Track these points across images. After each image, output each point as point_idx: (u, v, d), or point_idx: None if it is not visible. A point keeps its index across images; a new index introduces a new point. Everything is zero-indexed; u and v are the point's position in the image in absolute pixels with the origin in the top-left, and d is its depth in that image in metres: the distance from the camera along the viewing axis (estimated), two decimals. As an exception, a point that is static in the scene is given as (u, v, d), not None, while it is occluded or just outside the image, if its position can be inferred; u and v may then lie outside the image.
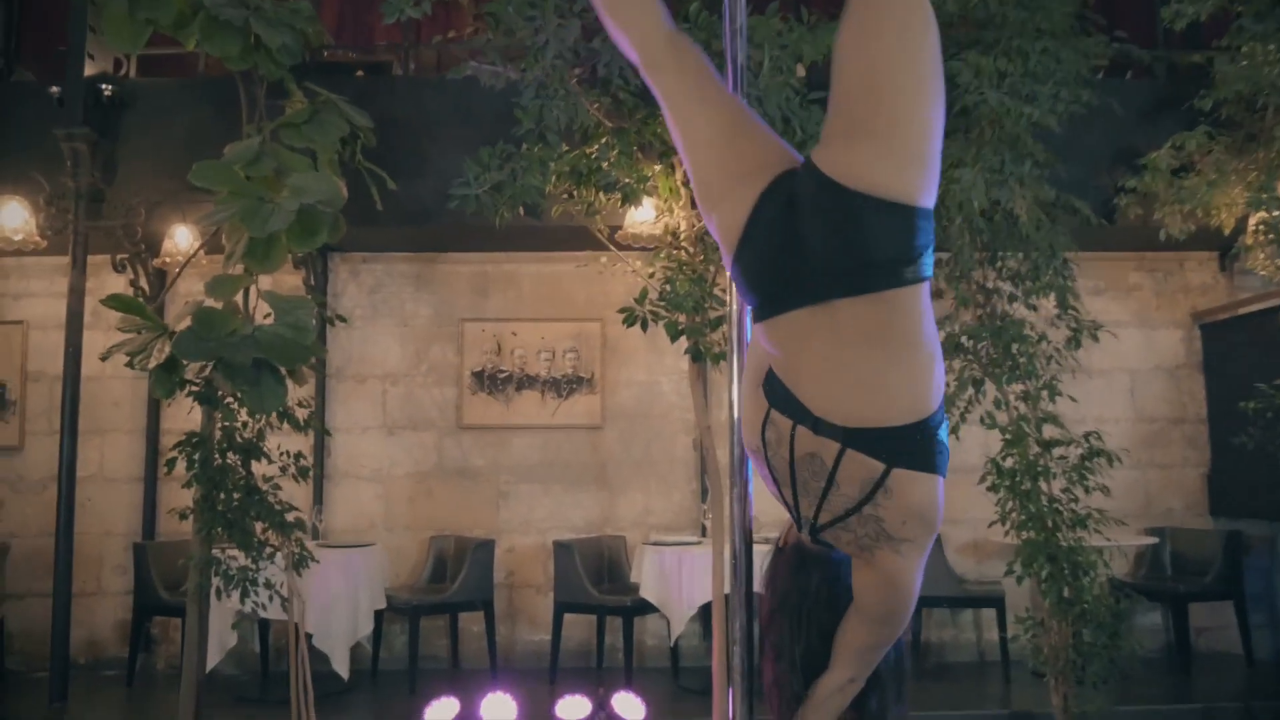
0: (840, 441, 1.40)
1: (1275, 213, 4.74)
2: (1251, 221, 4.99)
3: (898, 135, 1.28)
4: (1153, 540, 5.73)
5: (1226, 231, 5.09)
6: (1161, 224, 5.16)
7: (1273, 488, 5.48)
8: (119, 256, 5.65)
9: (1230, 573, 5.56)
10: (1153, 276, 6.35)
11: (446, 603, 5.47)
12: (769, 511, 6.04)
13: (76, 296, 5.39)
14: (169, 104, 5.58)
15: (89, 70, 5.52)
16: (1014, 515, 4.59)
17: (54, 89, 5.35)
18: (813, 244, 1.33)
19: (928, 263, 1.33)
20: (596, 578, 5.52)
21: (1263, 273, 5.00)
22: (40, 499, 5.99)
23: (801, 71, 4.73)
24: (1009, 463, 4.59)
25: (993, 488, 4.62)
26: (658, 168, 4.72)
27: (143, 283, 5.82)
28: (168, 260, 5.32)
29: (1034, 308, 4.84)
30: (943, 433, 1.43)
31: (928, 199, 1.30)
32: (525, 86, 3.94)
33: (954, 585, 5.66)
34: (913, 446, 1.40)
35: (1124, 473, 5.92)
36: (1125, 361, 6.22)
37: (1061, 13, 4.34)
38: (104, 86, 5.47)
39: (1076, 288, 4.72)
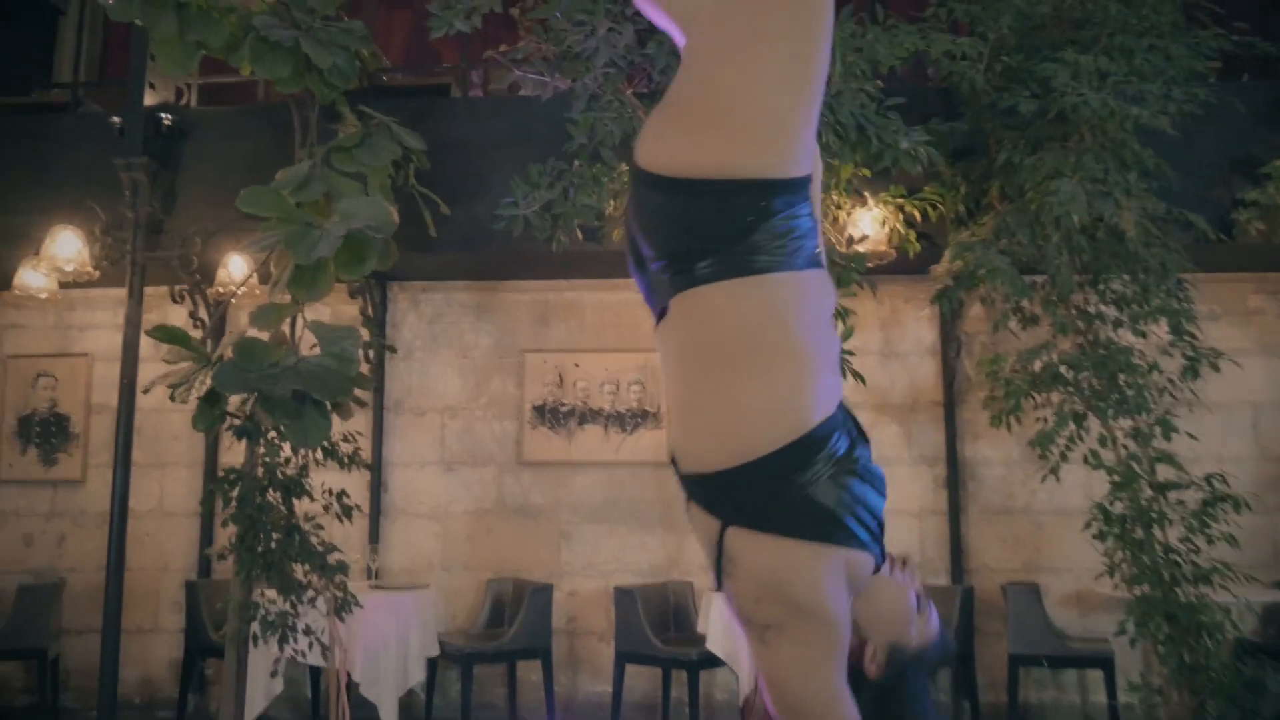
0: (685, 492, 1.11)
1: None
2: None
3: (693, 95, 1.01)
4: (1284, 595, 5.10)
5: (1365, 247, 4.53)
6: (1289, 240, 4.63)
7: None
8: (177, 288, 5.58)
9: (1378, 633, 4.90)
10: (1276, 299, 5.75)
11: (503, 650, 5.17)
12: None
13: (133, 328, 5.31)
14: (227, 132, 5.51)
15: (151, 100, 5.49)
16: (1125, 567, 4.10)
17: (115, 119, 5.33)
18: (641, 248, 1.08)
19: (782, 248, 1.01)
20: (661, 626, 5.16)
21: None
22: (100, 533, 5.91)
23: (878, 83, 4.38)
24: (1118, 508, 4.10)
25: (1100, 536, 4.13)
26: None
27: (202, 313, 5.74)
28: (222, 290, 5.21)
29: (1143, 334, 4.36)
30: (813, 483, 1.05)
31: (770, 169, 1.00)
32: (576, 98, 3.68)
33: (1055, 641, 5.12)
34: (746, 496, 1.05)
35: (1249, 518, 5.29)
36: (1247, 393, 5.62)
37: (1169, 6, 3.90)
38: (164, 116, 5.42)
39: (1194, 312, 4.23)
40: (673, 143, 1.03)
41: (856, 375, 4.00)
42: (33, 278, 5.08)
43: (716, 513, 1.05)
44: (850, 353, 4.02)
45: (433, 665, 5.17)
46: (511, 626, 5.23)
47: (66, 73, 6.52)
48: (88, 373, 6.15)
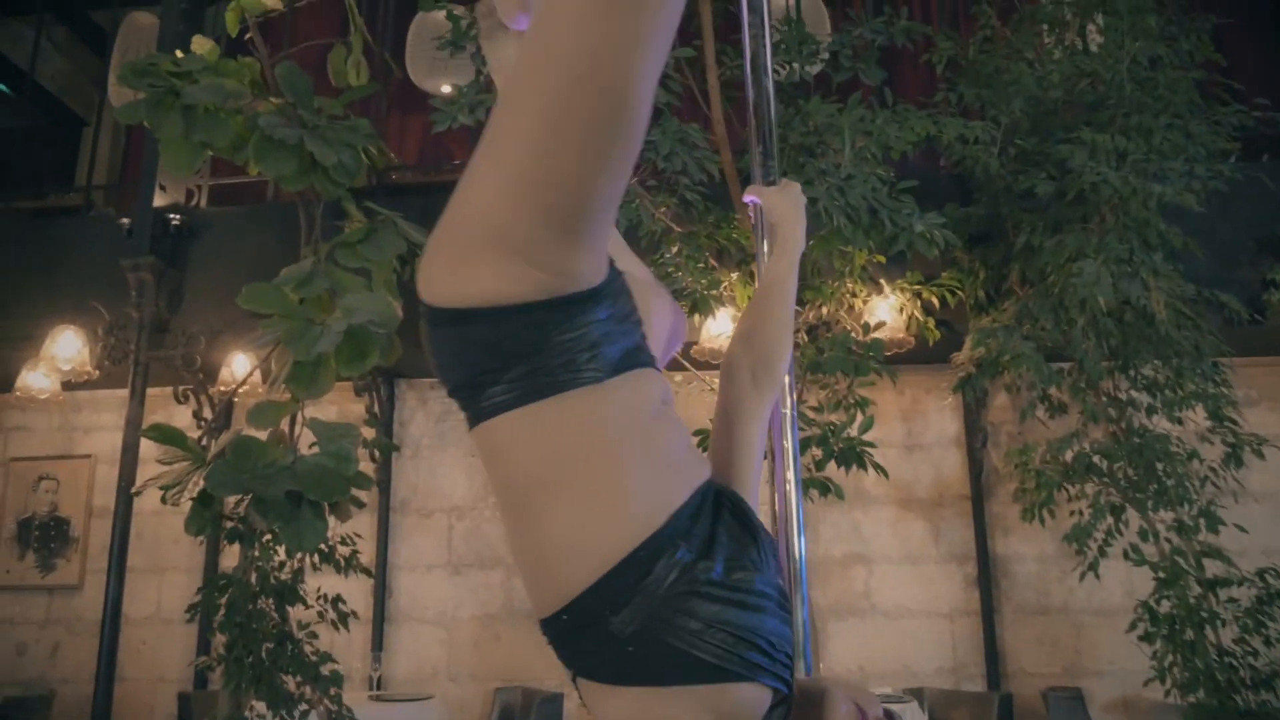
0: None
1: None
2: None
3: (453, 220, 0.89)
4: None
5: None
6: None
7: None
8: (181, 388, 5.49)
9: None
10: (1315, 383, 5.53)
11: (511, 767, 4.86)
12: (876, 661, 5.24)
13: (133, 429, 5.21)
14: (235, 231, 5.50)
15: (161, 201, 5.51)
16: (1175, 671, 3.81)
17: (124, 220, 5.34)
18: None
19: (571, 363, 0.88)
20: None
21: None
22: (96, 642, 5.69)
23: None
24: (1165, 607, 3.83)
25: (1146, 637, 3.85)
26: (734, 275, 4.32)
27: (206, 413, 5.63)
28: (223, 389, 5.11)
29: (1179, 421, 4.15)
30: (639, 618, 0.86)
31: (532, 293, 0.86)
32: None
33: (1104, 753, 4.76)
34: (575, 644, 0.91)
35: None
36: (1291, 483, 5.35)
37: (1185, 83, 3.83)
38: (173, 216, 5.43)
39: (1232, 396, 4.04)
40: (435, 269, 0.91)
41: (878, 467, 3.81)
42: (34, 378, 5.00)
43: (564, 662, 0.92)
44: (872, 444, 3.85)
45: (436, 784, 4.86)
46: (520, 741, 4.92)
47: (84, 178, 6.59)
48: (90, 475, 6.02)
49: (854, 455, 3.74)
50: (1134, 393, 4.28)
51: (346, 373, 4.26)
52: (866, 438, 3.88)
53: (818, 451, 3.82)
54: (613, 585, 0.88)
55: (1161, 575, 3.83)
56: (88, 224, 5.76)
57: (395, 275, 4.64)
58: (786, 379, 1.55)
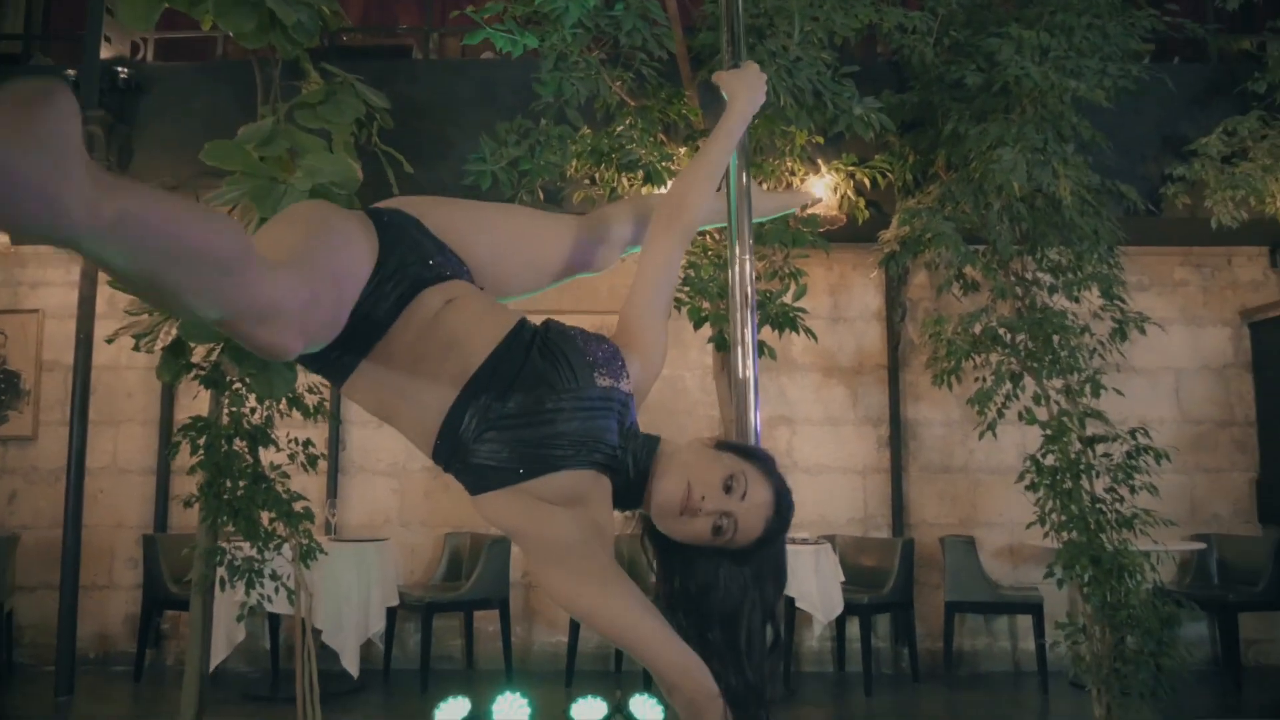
0: None
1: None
2: (1309, 210, 4.74)
3: None
4: (1199, 546, 5.46)
5: (1281, 220, 4.84)
6: (1211, 213, 4.92)
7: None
8: (134, 243, 5.55)
9: (1282, 582, 5.28)
10: (1200, 272, 6.09)
11: (461, 600, 5.31)
12: (797, 511, 5.82)
13: (89, 282, 5.31)
14: (186, 87, 5.49)
15: (106, 53, 5.44)
16: (1054, 516, 4.36)
17: (70, 71, 5.28)
18: None
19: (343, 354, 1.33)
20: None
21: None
22: (53, 490, 5.90)
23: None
24: (1049, 460, 4.36)
25: (1032, 486, 4.39)
26: (683, 149, 4.56)
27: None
28: (181, 245, 5.20)
29: (1076, 299, 4.62)
30: (467, 454, 1.26)
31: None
32: (544, 58, 3.78)
33: (989, 590, 5.41)
34: (451, 473, 1.33)
35: (1169, 476, 5.64)
36: (1170, 360, 5.96)
37: (1107, -14, 4.13)
38: (120, 70, 5.38)
39: (1122, 278, 4.50)
40: None
41: (809, 332, 4.19)
42: (-14, 230, 5.02)
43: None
44: (804, 310, 4.22)
45: (391, 616, 5.29)
46: (469, 579, 5.36)
47: (17, 24, 6.39)
48: (39, 329, 6.09)
49: (787, 320, 4.11)
50: (1039, 273, 4.71)
51: (310, 231, 4.41)
52: (799, 305, 4.24)
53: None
54: (443, 442, 1.28)
55: (1049, 433, 4.34)
56: (30, 74, 5.65)
57: (353, 137, 4.76)
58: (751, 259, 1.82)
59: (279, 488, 4.06)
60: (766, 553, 1.33)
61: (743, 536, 1.29)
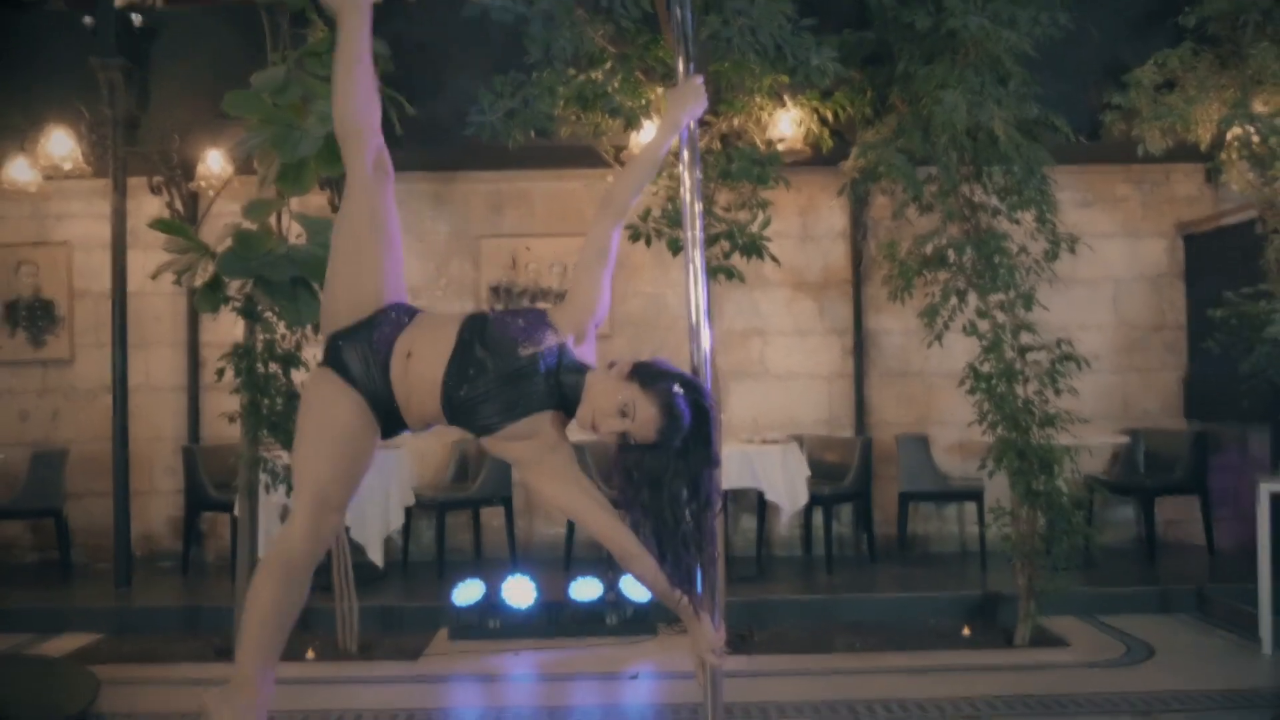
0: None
1: (1249, 128, 4.97)
2: (1228, 137, 5.21)
3: None
4: (1124, 439, 6.11)
5: (1204, 148, 5.32)
6: (1141, 139, 5.39)
7: (1245, 391, 5.80)
8: (155, 180, 5.99)
9: (1198, 469, 5.95)
10: (1140, 188, 6.59)
11: (469, 499, 5.96)
12: (768, 414, 6.39)
13: (120, 218, 5.76)
14: (195, 32, 5.85)
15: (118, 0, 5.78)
16: (990, 416, 4.97)
17: (87, 19, 5.62)
18: None
19: None
20: (606, 475, 5.96)
21: (1236, 188, 5.25)
22: (92, 407, 6.48)
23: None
24: (986, 367, 4.94)
25: (972, 390, 4.98)
26: (660, 91, 4.99)
27: (178, 204, 6.17)
28: (202, 183, 5.66)
29: (1017, 221, 5.12)
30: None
31: None
32: (534, 17, 4.19)
33: (938, 481, 6.09)
34: None
35: (1105, 377, 6.29)
36: (1110, 270, 6.51)
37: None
38: (134, 15, 5.73)
39: (1060, 201, 4.99)
40: None
41: (773, 258, 4.71)
42: (21, 170, 5.46)
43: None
44: (768, 239, 4.73)
45: (408, 515, 5.93)
46: (476, 480, 6.01)
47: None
48: (68, 260, 6.56)
49: (755, 248, 4.63)
50: (985, 197, 5.21)
51: (325, 173, 4.90)
52: (766, 234, 4.76)
53: (725, 245, 4.69)
54: (448, 418, 1.94)
55: (986, 343, 4.91)
56: (46, 19, 6.00)
57: (358, 83, 5.15)
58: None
59: (309, 404, 4.63)
60: (684, 440, 1.86)
61: (642, 440, 1.84)
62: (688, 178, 2.29)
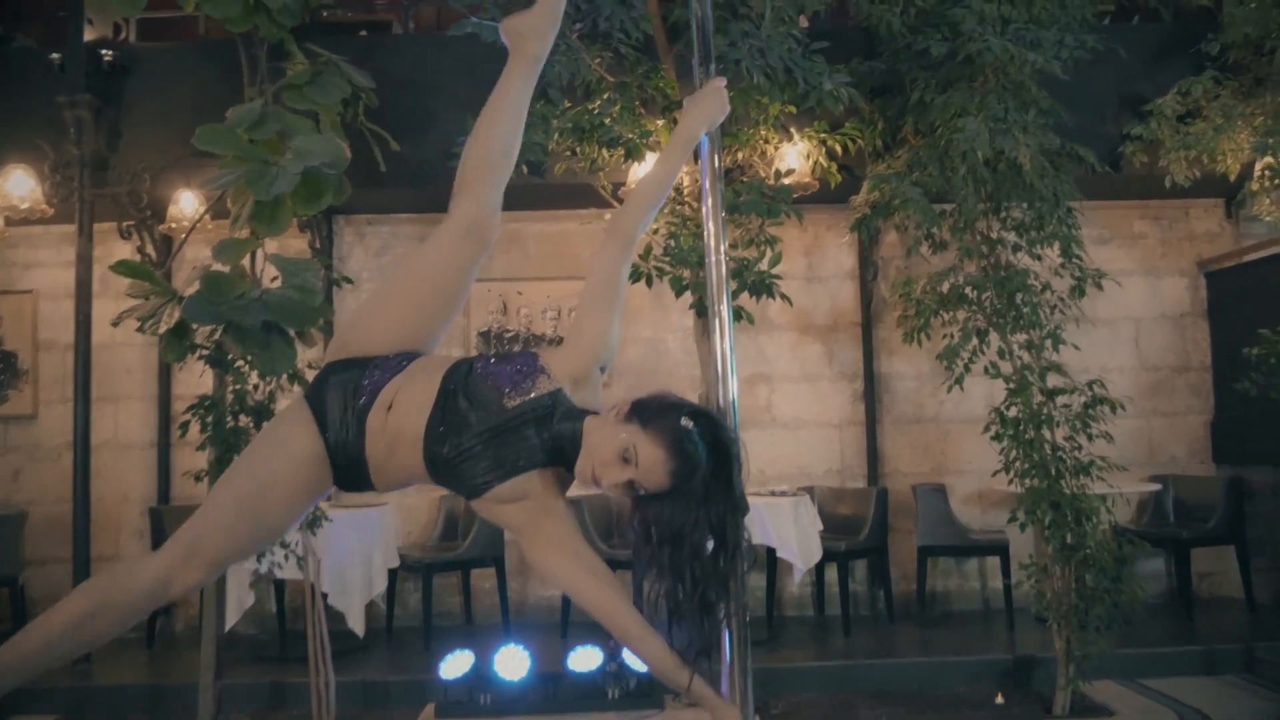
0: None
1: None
2: (1257, 167, 4.97)
3: None
4: (1155, 487, 5.77)
5: (1232, 178, 5.08)
6: (1166, 171, 5.14)
7: (1276, 434, 5.50)
8: (125, 224, 5.68)
9: (1232, 518, 5.61)
10: (1158, 224, 6.33)
11: (458, 560, 5.56)
12: (776, 464, 6.04)
13: (85, 264, 5.42)
14: (170, 69, 5.57)
15: (88, 35, 5.50)
16: (1017, 464, 4.63)
17: (54, 55, 5.34)
18: None
19: None
20: (606, 533, 5.60)
21: (1268, 219, 4.99)
22: (56, 466, 6.08)
23: (804, 22, 4.70)
24: (1013, 412, 4.61)
25: (996, 437, 4.65)
26: (660, 122, 4.72)
27: (149, 249, 5.84)
28: (173, 226, 5.34)
29: (1038, 257, 4.84)
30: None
31: None
32: (526, 43, 3.92)
33: (958, 534, 5.72)
34: None
35: (1128, 421, 5.95)
36: (1130, 310, 6.23)
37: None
38: (104, 52, 5.45)
39: (1081, 236, 4.72)
40: None
41: (784, 297, 4.40)
42: (-21, 215, 5.13)
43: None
44: (778, 276, 4.43)
45: (392, 577, 5.52)
46: (466, 539, 5.61)
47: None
48: (33, 310, 6.21)
49: (764, 286, 4.32)
50: (1003, 232, 4.93)
51: (302, 212, 4.56)
52: (775, 271, 4.45)
53: (733, 283, 4.38)
54: (435, 479, 1.70)
55: (1012, 386, 4.59)
56: (14, 56, 5.71)
57: (340, 117, 4.88)
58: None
59: (284, 460, 4.26)
60: (704, 481, 1.60)
61: (653, 487, 1.58)
62: (710, 202, 1.99)
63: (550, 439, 1.64)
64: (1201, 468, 6.19)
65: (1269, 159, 4.77)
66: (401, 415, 1.66)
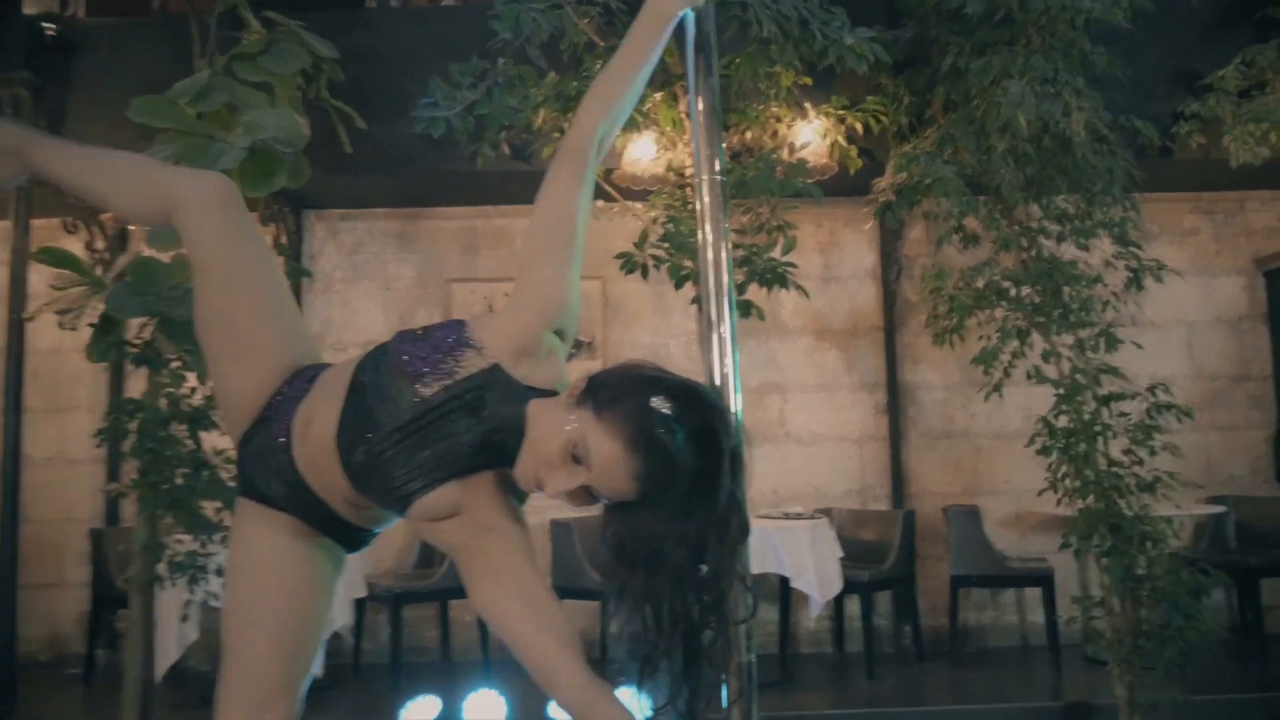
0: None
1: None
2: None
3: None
4: (1218, 509, 5.16)
5: (1306, 158, 4.50)
6: (1228, 153, 4.57)
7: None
8: (70, 218, 5.18)
9: (1305, 544, 5.00)
10: (1211, 219, 5.75)
11: (434, 589, 4.97)
12: (790, 484, 5.44)
13: (20, 257, 4.92)
14: (121, 45, 5.07)
15: (31, 8, 5.02)
16: (1067, 481, 4.04)
17: (-10, 29, 4.86)
18: None
19: None
20: (598, 560, 5.01)
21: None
22: (-4, 483, 5.52)
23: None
24: (1062, 422, 4.03)
25: (1044, 451, 4.06)
26: (658, 96, 4.17)
27: (99, 244, 5.34)
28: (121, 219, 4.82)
29: (1086, 248, 4.27)
30: None
31: None
32: (501, -13, 3.39)
33: (995, 563, 5.10)
34: None
35: (1183, 436, 5.32)
36: (1182, 313, 5.64)
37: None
38: (47, 26, 4.96)
39: (1140, 221, 4.15)
40: None
41: (799, 287, 3.83)
42: (-97, 203, 4.62)
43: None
44: (793, 264, 3.86)
45: (361, 609, 4.95)
46: (443, 565, 5.02)
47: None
48: (-29, 312, 5.68)
49: (777, 277, 3.76)
50: (1045, 222, 4.37)
51: (251, 193, 4.06)
52: (788, 259, 3.89)
53: (740, 274, 3.82)
54: (367, 497, 1.40)
55: (1061, 392, 4.01)
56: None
57: (300, 92, 4.37)
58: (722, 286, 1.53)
59: (224, 474, 3.70)
60: (689, 484, 1.15)
61: (616, 495, 1.17)
62: (706, 184, 1.48)
63: (486, 432, 1.27)
64: (1264, 488, 5.57)
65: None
66: (318, 428, 1.36)
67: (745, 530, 1.22)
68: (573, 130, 1.41)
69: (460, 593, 4.70)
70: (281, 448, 1.40)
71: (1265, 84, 4.50)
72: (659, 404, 1.15)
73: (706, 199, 1.48)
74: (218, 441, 3.80)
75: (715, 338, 1.48)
